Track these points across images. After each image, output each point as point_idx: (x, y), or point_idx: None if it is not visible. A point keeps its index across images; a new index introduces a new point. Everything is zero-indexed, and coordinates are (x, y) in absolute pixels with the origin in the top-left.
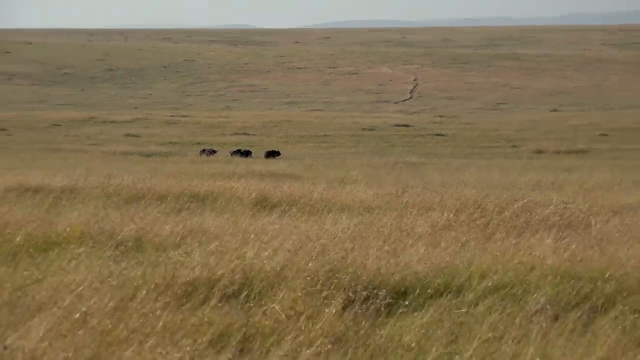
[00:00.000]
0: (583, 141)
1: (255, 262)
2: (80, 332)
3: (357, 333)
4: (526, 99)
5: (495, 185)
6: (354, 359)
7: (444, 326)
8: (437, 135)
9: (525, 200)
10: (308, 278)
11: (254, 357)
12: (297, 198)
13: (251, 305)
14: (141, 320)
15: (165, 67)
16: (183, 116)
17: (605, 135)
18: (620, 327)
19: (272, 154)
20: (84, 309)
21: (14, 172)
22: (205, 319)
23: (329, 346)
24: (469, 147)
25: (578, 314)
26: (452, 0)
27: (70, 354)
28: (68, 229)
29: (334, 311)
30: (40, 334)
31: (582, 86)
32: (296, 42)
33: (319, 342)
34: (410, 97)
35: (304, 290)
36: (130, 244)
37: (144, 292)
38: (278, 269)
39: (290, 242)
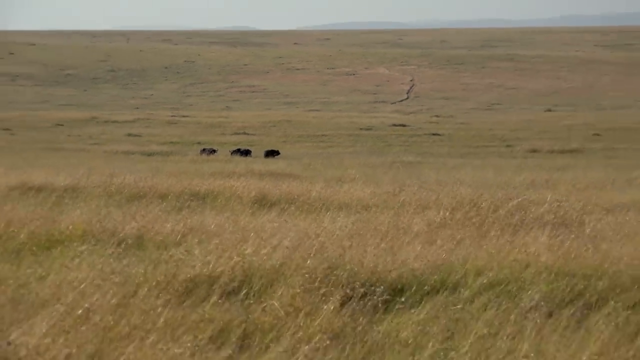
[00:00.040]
0: (577, 141)
1: (255, 259)
2: (83, 328)
3: (355, 329)
4: (520, 99)
5: (490, 184)
6: (351, 354)
7: (440, 322)
8: (433, 135)
9: (519, 199)
10: (307, 275)
11: (254, 353)
12: (295, 196)
13: (251, 302)
14: (143, 316)
15: (166, 68)
16: (184, 116)
17: (598, 135)
18: (613, 324)
19: (272, 154)
20: (86, 306)
21: (18, 171)
22: (206, 315)
23: (327, 342)
24: (464, 147)
25: (572, 311)
26: (448, 3)
27: (73, 350)
28: (71, 227)
29: (332, 308)
30: (44, 330)
31: (575, 87)
32: (295, 44)
33: (318, 338)
34: (407, 98)
35: (303, 287)
36: (131, 241)
37: (146, 289)
38: (277, 266)
39: (289, 239)
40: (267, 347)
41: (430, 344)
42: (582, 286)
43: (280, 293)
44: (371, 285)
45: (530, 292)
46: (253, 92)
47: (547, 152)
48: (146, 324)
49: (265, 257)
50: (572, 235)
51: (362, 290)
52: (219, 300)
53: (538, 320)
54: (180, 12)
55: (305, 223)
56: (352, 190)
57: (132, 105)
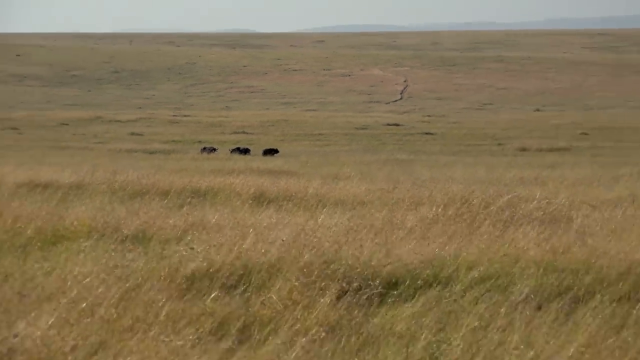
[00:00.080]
0: (565, 139)
1: (254, 254)
2: (87, 320)
3: (351, 322)
4: (511, 99)
5: (482, 181)
6: (347, 346)
7: (433, 315)
8: (426, 134)
9: (510, 196)
10: (304, 269)
11: (253, 345)
12: (293, 193)
13: (250, 295)
14: (145, 309)
15: (168, 69)
16: (185, 116)
17: (585, 133)
18: (600, 316)
19: (270, 152)
20: (90, 299)
21: (25, 169)
22: (207, 308)
23: (324, 334)
24: (456, 145)
25: (560, 304)
26: (440, 6)
27: (77, 342)
28: (76, 223)
29: (328, 301)
30: (49, 323)
31: (563, 87)
32: (292, 46)
33: (314, 330)
34: (401, 98)
35: (300, 281)
36: (134, 237)
37: (148, 283)
38: (275, 261)
39: (287, 235)
40: (266, 339)
41: (424, 336)
42: (570, 280)
43: (278, 287)
44: (366, 279)
45: (519, 286)
46: (252, 92)
47: (536, 150)
48: (149, 316)
49: (263, 252)
50: (560, 231)
51: (357, 284)
52: (219, 294)
53: (527, 313)
54: (181, 16)
55: (302, 219)
56: (347, 187)
57: (135, 105)
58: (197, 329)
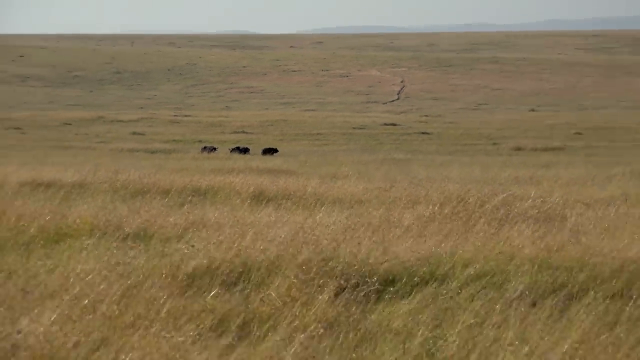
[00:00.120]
0: (559, 139)
1: (253, 252)
2: (89, 317)
3: (349, 318)
4: (506, 99)
5: (477, 180)
6: (345, 342)
7: (429, 312)
8: (423, 133)
9: (505, 195)
10: (302, 267)
11: (253, 341)
12: (292, 192)
13: (249, 292)
14: (147, 306)
15: (169, 70)
16: (185, 116)
17: (579, 133)
18: (593, 313)
19: (269, 151)
20: (92, 296)
21: (28, 168)
22: (207, 305)
23: (322, 331)
24: (452, 145)
25: (554, 301)
26: (437, 8)
27: (79, 338)
28: (78, 221)
29: (326, 298)
30: (52, 319)
31: (558, 88)
32: (291, 47)
33: (313, 327)
34: (398, 98)
35: (299, 278)
36: (136, 235)
37: (150, 281)
38: (274, 258)
39: (286, 233)
40: (265, 335)
41: (420, 332)
42: (564, 277)
43: (277, 284)
44: (364, 277)
45: (514, 283)
46: (251, 92)
47: (531, 150)
48: (150, 313)
49: (262, 250)
50: (555, 229)
51: (355, 281)
52: (219, 291)
53: (522, 310)
54: (182, 17)
55: (301, 217)
56: (345, 186)
57: (136, 105)
58: (198, 326)
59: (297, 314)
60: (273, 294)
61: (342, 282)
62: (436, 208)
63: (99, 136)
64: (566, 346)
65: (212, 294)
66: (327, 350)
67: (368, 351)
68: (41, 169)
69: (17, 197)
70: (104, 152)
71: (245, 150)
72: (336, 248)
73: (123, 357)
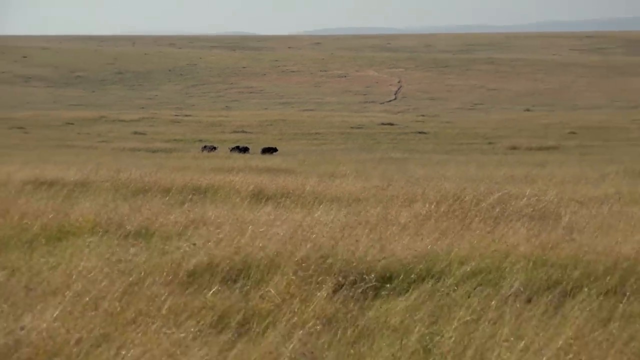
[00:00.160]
0: (553, 138)
1: (253, 249)
2: (92, 314)
3: (347, 315)
4: (501, 99)
5: (473, 179)
6: (343, 338)
7: (426, 308)
8: (420, 133)
9: (500, 193)
10: (301, 264)
11: (252, 337)
12: (290, 191)
13: (249, 289)
14: (148, 303)
15: (169, 70)
16: (186, 115)
17: (573, 133)
18: (587, 309)
19: (269, 151)
20: (94, 293)
21: (31, 167)
22: (207, 302)
23: (321, 327)
24: (448, 144)
25: (549, 298)
26: (433, 9)
27: (82, 334)
28: (81, 219)
29: (325, 295)
30: (55, 316)
31: (552, 88)
32: (290, 48)
33: (312, 323)
34: (395, 98)
35: (297, 276)
36: (137, 233)
37: (151, 278)
38: (273, 256)
39: (285, 231)
40: (265, 331)
41: (417, 328)
42: (558, 275)
43: (276, 281)
44: (362, 274)
45: (510, 280)
46: (251, 93)
47: (526, 149)
48: (151, 310)
49: (262, 247)
50: (549, 227)
51: (353, 278)
52: (220, 288)
53: (517, 306)
54: (183, 19)
55: (299, 215)
56: (343, 184)
57: (137, 105)
58: (198, 322)
59: (296, 310)
60: (272, 291)
61: (340, 279)
62: (433, 206)
63: (100, 135)
64: (561, 342)
65: (212, 291)
66: (326, 346)
67: (366, 347)
68: (44, 167)
69: (21, 196)
70: (105, 151)
71: (244, 150)
72: (334, 246)
73: (124, 353)
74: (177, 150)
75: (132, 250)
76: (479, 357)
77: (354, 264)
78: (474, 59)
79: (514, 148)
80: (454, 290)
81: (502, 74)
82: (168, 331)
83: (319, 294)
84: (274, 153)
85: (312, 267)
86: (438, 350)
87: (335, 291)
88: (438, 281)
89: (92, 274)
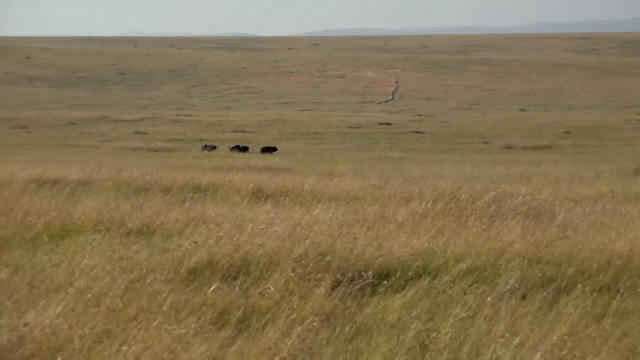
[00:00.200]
0: (548, 138)
1: (252, 247)
2: (94, 310)
3: (344, 311)
4: (497, 100)
5: (469, 177)
6: (341, 335)
7: (423, 305)
8: (416, 132)
9: (495, 192)
10: (300, 261)
11: (252, 334)
12: (289, 189)
13: (249, 286)
14: (149, 300)
15: (170, 71)
16: (187, 115)
17: (568, 132)
18: (581, 306)
19: (268, 150)
20: (97, 290)
21: (34, 166)
22: (208, 299)
23: (319, 323)
24: (445, 144)
25: (544, 294)
26: (430, 11)
27: (84, 331)
28: (83, 218)
29: (323, 291)
30: (57, 312)
31: (547, 88)
32: (289, 49)
33: (310, 319)
34: (392, 98)
35: (296, 273)
36: (139, 231)
37: (152, 275)
38: (272, 253)
39: (284, 229)
40: (264, 328)
41: (414, 325)
42: (553, 272)
43: (275, 278)
44: (359, 271)
45: (505, 277)
46: (250, 93)
47: (521, 148)
48: (153, 307)
49: (261, 245)
50: (544, 225)
51: (351, 275)
52: (220, 285)
53: (513, 303)
54: (183, 20)
55: (298, 214)
56: (341, 183)
57: (139, 105)
58: (199, 319)
59: (295, 307)
60: (271, 288)
61: (338, 276)
62: (429, 205)
63: (103, 135)
64: (555, 338)
65: (212, 288)
66: (324, 342)
67: (363, 343)
68: (47, 166)
69: (24, 194)
70: (107, 150)
71: (244, 149)
72: (332, 243)
73: (126, 349)
74: (178, 149)
75: (133, 248)
76: (474, 353)
77: (352, 262)
78: (470, 60)
79: (509, 147)
80: (450, 287)
81: (497, 74)
82: (169, 327)
83: (317, 290)
84: (274, 152)
85: (311, 264)
86: (434, 347)
87: (333, 288)
88: (434, 278)
89: (94, 272)
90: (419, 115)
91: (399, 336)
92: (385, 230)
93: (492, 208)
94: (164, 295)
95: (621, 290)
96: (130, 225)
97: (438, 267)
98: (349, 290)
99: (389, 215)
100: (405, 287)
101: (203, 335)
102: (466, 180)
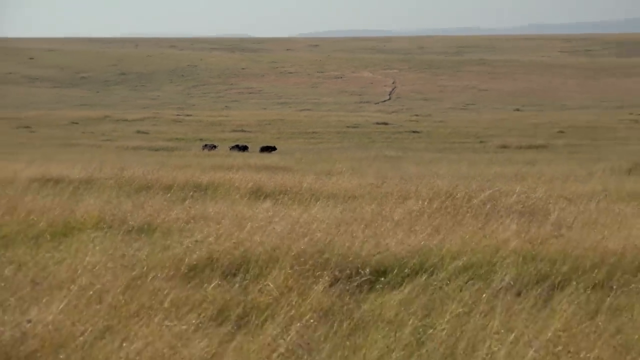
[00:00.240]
0: (543, 137)
1: (252, 244)
2: (96, 307)
3: (342, 308)
4: (492, 100)
5: (465, 176)
6: (339, 331)
7: (419, 302)
8: (413, 132)
9: (491, 190)
10: (299, 259)
11: (251, 330)
12: (288, 188)
13: (248, 283)
14: (150, 296)
15: (171, 71)
16: (187, 115)
17: (562, 132)
18: (575, 302)
19: (267, 149)
20: (99, 287)
21: (37, 165)
22: (208, 296)
23: (317, 319)
24: (441, 143)
25: (538, 291)
26: (426, 13)
27: (86, 327)
28: (85, 216)
29: (321, 288)
30: (60, 309)
31: (542, 89)
32: (288, 50)
33: (309, 316)
34: (389, 98)
35: (295, 270)
36: (140, 228)
37: (153, 272)
38: (271, 250)
39: (283, 226)
40: (263, 324)
41: (411, 321)
42: (547, 269)
43: (274, 275)
44: (357, 268)
45: (500, 274)
46: (250, 93)
47: (516, 147)
48: (154, 303)
49: (260, 243)
50: (538, 223)
51: (349, 272)
52: (220, 282)
53: (508, 300)
54: (184, 22)
55: (297, 212)
56: (339, 182)
57: (140, 105)
58: (199, 315)
59: (294, 303)
60: (271, 285)
61: (336, 273)
62: (426, 203)
63: (105, 134)
64: (549, 334)
65: (212, 285)
66: (322, 339)
67: (361, 339)
68: (50, 165)
69: (27, 193)
70: (109, 149)
71: (244, 148)
72: (331, 241)
73: (128, 344)
74: (179, 148)
75: (135, 245)
76: (470, 348)
77: (350, 259)
78: (466, 61)
79: (504, 147)
80: (447, 284)
81: (493, 75)
82: (170, 324)
83: (315, 287)
84: (273, 151)
85: (309, 261)
86: (431, 343)
87: (331, 285)
88: (431, 275)
89: (96, 269)
90: (416, 115)
91: (395, 332)
92: (383, 228)
93: (488, 206)
94: (165, 292)
95: (614, 287)
96: (131, 223)
97: (434, 264)
98: (347, 287)
99: (386, 213)
100: (402, 284)
101: (203, 331)
102: (462, 179)
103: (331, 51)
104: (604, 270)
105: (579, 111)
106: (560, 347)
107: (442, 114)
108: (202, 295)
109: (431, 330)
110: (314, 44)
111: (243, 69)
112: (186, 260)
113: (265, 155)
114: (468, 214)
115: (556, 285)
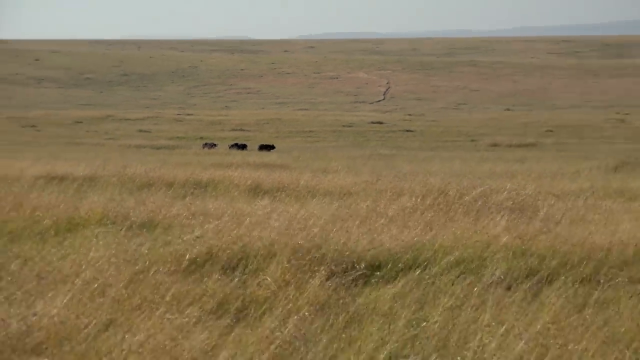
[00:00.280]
0: (532, 136)
1: (250, 240)
2: (99, 300)
3: (338, 301)
4: (483, 100)
5: (457, 174)
6: (335, 323)
7: (412, 295)
8: (407, 131)
9: (482, 187)
10: (296, 254)
11: (250, 323)
12: (286, 185)
13: (247, 277)
14: (152, 290)
15: (172, 72)
16: (188, 115)
17: (551, 131)
18: (563, 296)
19: (266, 147)
20: (102, 281)
21: (43, 163)
22: (208, 289)
23: (314, 313)
24: (434, 142)
25: (528, 285)
26: (419, 15)
27: (90, 320)
28: (89, 212)
29: (318, 282)
30: (64, 302)
31: (531, 89)
32: (285, 51)
33: (306, 309)
34: (384, 98)
35: (292, 264)
36: (142, 224)
37: (155, 266)
38: (269, 245)
39: (280, 222)
40: (262, 317)
41: (404, 314)
42: (536, 264)
43: (272, 269)
44: (352, 263)
45: (491, 269)
46: (249, 93)
47: (506, 146)
48: (155, 297)
49: (259, 238)
50: (528, 219)
51: (344, 266)
52: (219, 276)
53: (498, 293)
54: (185, 24)
55: (294, 208)
56: (335, 179)
57: (142, 105)
58: (200, 308)
59: (291, 297)
60: (269, 279)
61: (332, 267)
62: (419, 200)
63: (108, 133)
64: (539, 326)
65: (212, 279)
66: (319, 331)
67: (356, 331)
68: (55, 163)
69: (33, 190)
70: (112, 148)
71: (243, 147)
72: (327, 236)
73: (130, 337)
74: (180, 147)
75: (137, 240)
76: (462, 341)
77: (346, 254)
78: (458, 62)
79: (495, 145)
80: (439, 279)
81: (483, 75)
82: (171, 317)
83: (312, 281)
84: (271, 150)
85: (306, 256)
86: (424, 335)
87: (327, 279)
88: (424, 270)
89: (100, 263)
90: (409, 114)
91: (389, 325)
92: (377, 224)
93: (479, 203)
94: (166, 286)
95: (601, 281)
96: (134, 219)
97: (427, 259)
98: (342, 281)
99: (381, 209)
100: (396, 278)
101: (203, 324)
102: (454, 177)
103: (327, 53)
104: (591, 264)
105: (567, 111)
106: (549, 339)
107: (435, 114)
108: (202, 289)
109: (424, 323)
110: (310, 45)
111: (242, 69)
112: (187, 255)
113: (264, 153)
114: (460, 211)
115: (545, 280)
